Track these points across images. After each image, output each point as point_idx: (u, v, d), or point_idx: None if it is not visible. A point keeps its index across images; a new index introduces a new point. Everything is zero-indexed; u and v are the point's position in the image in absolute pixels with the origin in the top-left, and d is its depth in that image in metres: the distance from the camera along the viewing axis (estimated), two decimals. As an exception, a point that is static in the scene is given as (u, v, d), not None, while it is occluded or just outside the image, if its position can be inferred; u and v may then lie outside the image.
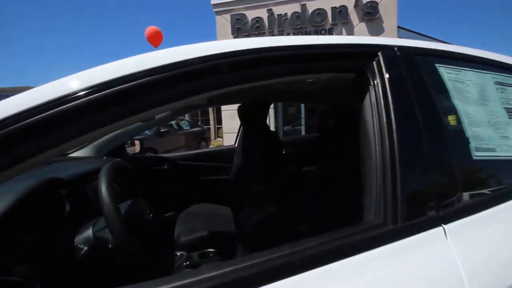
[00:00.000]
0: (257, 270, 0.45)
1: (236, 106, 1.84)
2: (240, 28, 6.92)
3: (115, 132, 1.76)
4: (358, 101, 0.71)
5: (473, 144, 0.71)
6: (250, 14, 6.88)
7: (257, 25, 6.82)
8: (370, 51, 0.70)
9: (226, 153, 2.13)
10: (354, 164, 0.86)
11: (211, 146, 8.85)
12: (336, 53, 0.69)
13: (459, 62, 0.83)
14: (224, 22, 7.03)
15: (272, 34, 6.73)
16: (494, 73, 0.85)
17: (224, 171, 2.07)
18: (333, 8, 6.44)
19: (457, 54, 0.84)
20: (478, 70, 0.83)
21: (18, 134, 0.44)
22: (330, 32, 6.46)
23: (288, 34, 6.56)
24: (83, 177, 1.14)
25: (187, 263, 1.36)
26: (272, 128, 6.84)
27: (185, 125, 8.29)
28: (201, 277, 0.44)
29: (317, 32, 6.48)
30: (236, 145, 2.14)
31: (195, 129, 8.64)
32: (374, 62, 0.69)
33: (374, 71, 0.68)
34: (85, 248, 0.69)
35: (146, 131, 6.47)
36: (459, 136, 0.71)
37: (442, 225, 0.58)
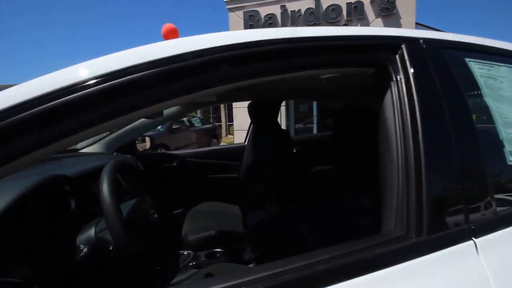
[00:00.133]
0: (263, 287, 0.41)
1: (247, 103, 1.80)
2: (253, 25, 6.84)
3: (126, 128, 1.76)
4: (378, 99, 0.65)
5: (507, 148, 0.64)
6: (263, 11, 6.79)
7: (270, 21, 6.73)
8: (393, 43, 0.64)
9: (236, 151, 2.09)
10: (370, 168, 0.80)
11: (222, 143, 8.87)
12: (354, 45, 0.63)
13: (492, 57, 0.75)
14: (237, 19, 6.98)
15: (285, 31, 6.61)
16: (531, 69, 0.76)
17: (234, 169, 2.04)
18: (348, 4, 6.26)
19: (489, 48, 0.76)
20: (514, 65, 0.75)
21: (16, 126, 0.41)
22: (344, 28, 6.27)
23: (302, 30, 6.42)
24: (91, 173, 1.12)
25: (193, 263, 1.34)
26: (284, 126, 6.76)
27: (196, 122, 8.35)
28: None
29: (331, 29, 6.30)
30: (246, 143, 2.09)
31: (206, 126, 8.69)
32: (397, 56, 0.62)
33: (397, 65, 0.62)
34: (86, 249, 0.66)
35: (159, 127, 6.57)
36: (492, 139, 0.64)
37: (473, 238, 0.52)
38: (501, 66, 0.74)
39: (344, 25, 6.34)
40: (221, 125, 11.71)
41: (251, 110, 1.74)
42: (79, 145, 1.67)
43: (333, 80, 1.23)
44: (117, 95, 0.45)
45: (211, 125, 9.25)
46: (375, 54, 0.64)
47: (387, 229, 0.54)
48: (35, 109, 0.42)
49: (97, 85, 0.44)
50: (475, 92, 0.68)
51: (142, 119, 1.74)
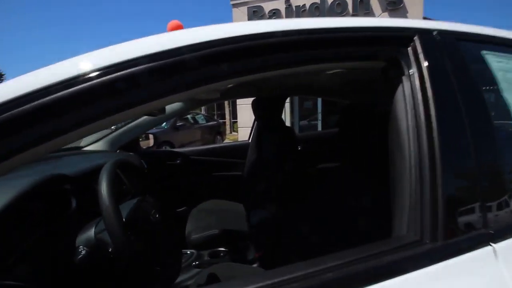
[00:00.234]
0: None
1: (251, 100, 1.76)
2: (256, 21, 6.78)
3: (129, 126, 1.75)
4: (389, 94, 0.62)
5: (528, 146, 0.60)
6: (267, 6, 6.71)
7: (274, 17, 6.65)
8: (405, 35, 0.60)
9: (240, 149, 2.06)
10: (378, 167, 0.77)
11: (226, 141, 8.86)
12: (363, 38, 0.59)
13: (510, 49, 0.71)
14: (240, 14, 6.91)
15: (289, 26, 6.53)
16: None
17: (238, 167, 2.02)
18: (354, -2, 6.16)
19: (507, 40, 0.72)
20: (534, 58, 0.70)
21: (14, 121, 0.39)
22: (350, 23, 6.17)
23: (306, 26, 6.34)
24: (92, 172, 1.11)
25: (196, 262, 1.32)
26: (288, 123, 6.71)
27: (200, 119, 8.34)
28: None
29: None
30: (250, 141, 2.07)
31: (210, 123, 8.67)
32: (410, 49, 0.59)
33: (409, 59, 0.58)
34: (85, 251, 0.64)
35: (163, 125, 6.58)
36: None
37: (491, 244, 0.48)
38: (520, 59, 0.70)
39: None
40: (225, 122, 11.68)
41: (255, 107, 1.70)
42: (82, 143, 1.66)
43: (339, 76, 1.19)
44: (117, 90, 0.42)
45: (215, 122, 9.23)
46: (386, 47, 0.60)
47: (399, 234, 0.50)
48: (30, 105, 0.39)
49: (98, 79, 0.41)
50: (492, 87, 0.64)
51: (145, 117, 1.73)
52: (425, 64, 0.56)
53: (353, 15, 6.24)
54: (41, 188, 0.77)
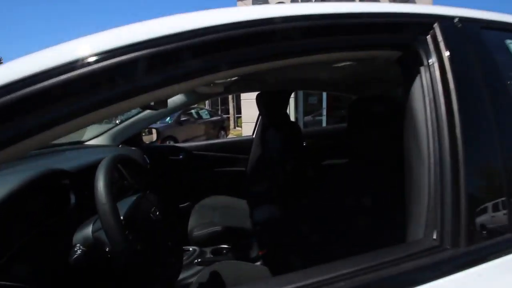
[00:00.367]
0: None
1: (255, 95, 1.72)
2: (261, 14, 6.69)
3: (132, 120, 1.72)
4: (404, 86, 0.57)
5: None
6: (273, 0, 6.62)
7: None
8: (423, 22, 0.55)
9: (243, 144, 2.03)
10: (391, 164, 0.73)
11: (230, 136, 8.84)
12: (377, 24, 0.54)
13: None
14: (245, 8, 6.83)
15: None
16: None
17: (241, 162, 1.98)
18: (362, -11, 6.01)
19: (534, 29, 0.66)
20: None
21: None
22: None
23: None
24: (93, 167, 1.08)
25: (199, 260, 1.30)
26: (292, 118, 6.66)
27: (204, 114, 8.32)
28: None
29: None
30: (254, 136, 2.03)
31: (214, 118, 8.65)
32: (429, 37, 0.54)
33: (429, 48, 0.53)
34: (80, 250, 0.62)
35: (167, 119, 6.57)
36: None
37: (519, 249, 0.44)
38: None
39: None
40: (229, 117, 11.64)
41: (260, 101, 1.66)
42: (83, 137, 1.64)
43: (347, 68, 1.14)
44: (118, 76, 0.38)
45: (219, 117, 9.21)
46: (402, 35, 0.55)
47: (415, 238, 0.47)
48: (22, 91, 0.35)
49: (97, 63, 0.37)
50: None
51: (147, 111, 1.70)
52: (446, 53, 0.51)
53: (361, 0, 6.10)
54: (38, 184, 0.75)
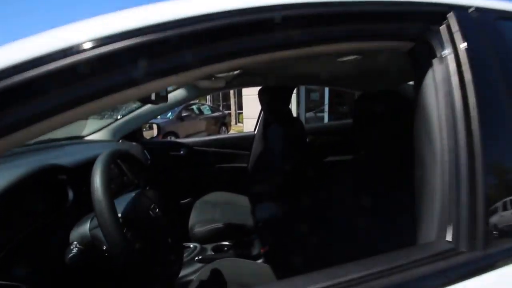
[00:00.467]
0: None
1: (257, 90, 1.69)
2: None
3: (132, 115, 1.70)
4: (416, 80, 0.54)
5: None
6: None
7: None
8: (437, 11, 0.52)
9: (245, 140, 2.00)
10: (399, 162, 0.70)
11: (231, 132, 8.82)
12: (387, 12, 0.51)
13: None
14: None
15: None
16: None
17: (242, 158, 1.96)
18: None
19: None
20: None
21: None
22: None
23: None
24: (91, 162, 1.06)
25: (200, 257, 1.28)
26: (294, 114, 6.61)
27: (206, 110, 8.29)
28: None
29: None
30: (255, 132, 2.00)
31: (215, 114, 8.62)
32: (443, 27, 0.51)
33: (442, 39, 0.50)
34: (77, 248, 0.60)
35: (168, 115, 6.54)
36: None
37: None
38: None
39: None
40: (230, 113, 11.60)
41: (262, 97, 1.63)
42: (83, 132, 1.62)
43: (353, 61, 1.11)
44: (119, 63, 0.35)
45: (220, 113, 9.17)
46: (414, 24, 0.52)
47: (426, 240, 0.44)
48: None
49: (93, 49, 0.34)
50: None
51: (148, 105, 1.67)
52: (461, 45, 0.48)
53: None
54: (36, 179, 0.73)
